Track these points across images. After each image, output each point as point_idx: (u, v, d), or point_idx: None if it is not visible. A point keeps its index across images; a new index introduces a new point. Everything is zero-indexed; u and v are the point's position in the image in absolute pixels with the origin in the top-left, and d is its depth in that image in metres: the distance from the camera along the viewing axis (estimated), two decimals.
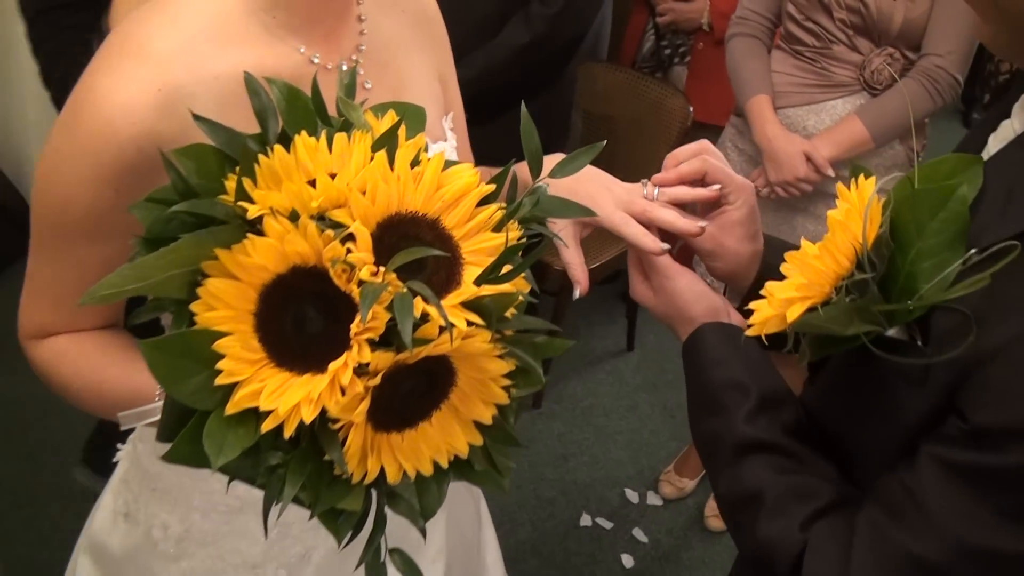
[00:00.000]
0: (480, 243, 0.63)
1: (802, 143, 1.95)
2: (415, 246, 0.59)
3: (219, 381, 0.56)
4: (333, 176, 0.59)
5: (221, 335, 0.56)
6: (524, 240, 0.67)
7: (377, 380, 0.56)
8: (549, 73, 2.19)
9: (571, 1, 2.04)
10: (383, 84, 0.96)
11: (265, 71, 0.82)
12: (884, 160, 1.97)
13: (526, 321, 0.65)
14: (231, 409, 0.56)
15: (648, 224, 0.88)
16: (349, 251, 0.57)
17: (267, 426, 0.55)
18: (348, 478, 0.60)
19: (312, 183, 0.59)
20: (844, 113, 1.94)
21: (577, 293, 0.91)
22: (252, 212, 0.57)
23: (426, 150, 0.65)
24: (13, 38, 2.07)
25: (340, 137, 0.62)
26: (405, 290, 0.56)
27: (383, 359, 0.56)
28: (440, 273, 0.61)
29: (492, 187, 0.64)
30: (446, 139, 1.03)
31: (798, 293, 0.72)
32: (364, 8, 0.95)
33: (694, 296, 0.89)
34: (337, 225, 0.58)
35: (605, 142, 0.77)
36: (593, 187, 0.91)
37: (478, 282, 0.61)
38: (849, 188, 0.72)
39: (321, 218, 0.58)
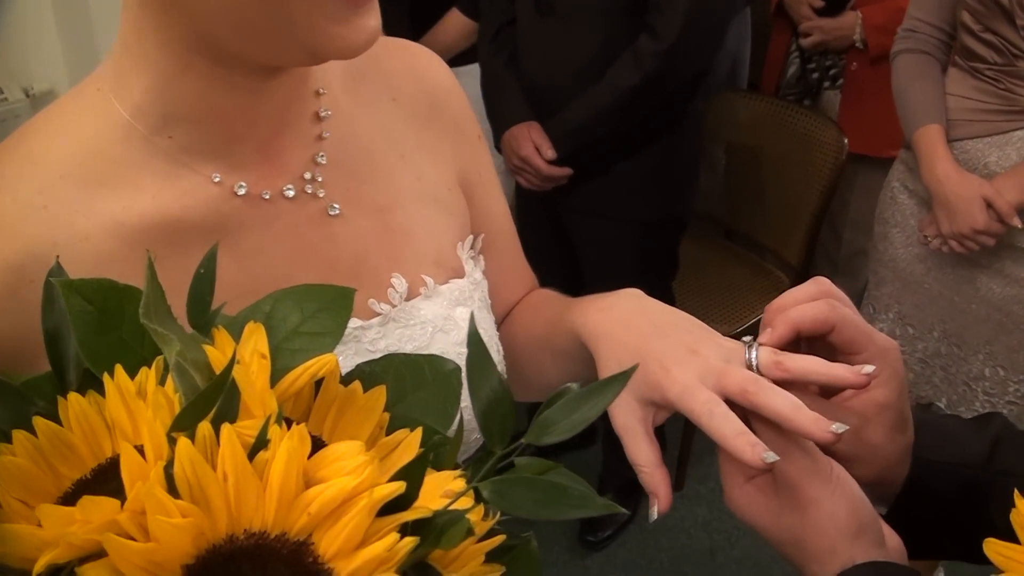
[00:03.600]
0: None
1: (981, 185, 1.56)
2: None
3: None
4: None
5: None
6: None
7: None
8: (667, 115, 1.88)
9: (686, 33, 1.73)
10: (358, 205, 0.69)
11: (167, 216, 0.60)
12: None
13: None
14: None
15: (750, 410, 0.57)
16: None
17: None
18: None
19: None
20: None
21: (655, 512, 0.59)
22: None
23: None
24: None
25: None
26: None
27: None
28: None
29: (399, 486, 0.37)
30: (464, 274, 0.75)
31: None
32: (328, 100, 0.69)
33: (844, 512, 0.55)
34: None
35: (636, 368, 0.49)
36: (667, 345, 0.61)
37: None
38: None
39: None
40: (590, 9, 1.79)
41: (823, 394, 0.61)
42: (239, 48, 0.57)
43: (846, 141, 2.24)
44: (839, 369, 0.57)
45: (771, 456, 0.53)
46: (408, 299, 0.71)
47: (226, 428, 0.35)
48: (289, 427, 0.38)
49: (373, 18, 0.56)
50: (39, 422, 0.38)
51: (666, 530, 2.34)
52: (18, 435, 0.37)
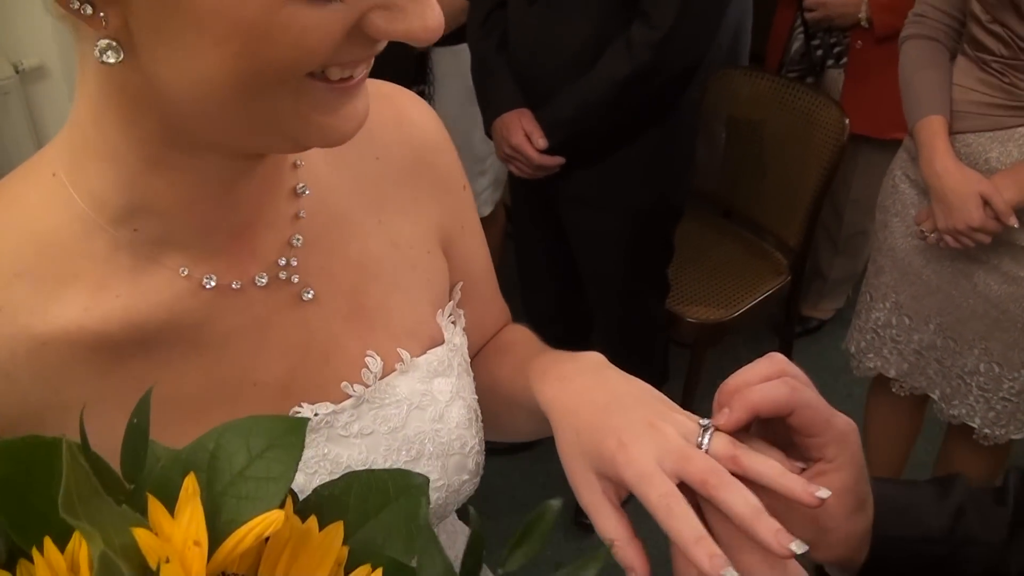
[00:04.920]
0: None
1: (979, 182, 1.53)
2: None
3: None
4: None
5: None
6: None
7: None
8: (661, 104, 1.84)
9: (682, 22, 1.67)
10: (332, 285, 0.66)
11: (132, 317, 0.57)
12: None
13: None
14: None
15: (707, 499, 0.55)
16: None
17: None
18: None
19: None
20: None
21: None
22: None
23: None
24: None
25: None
26: None
27: None
28: None
29: None
30: (443, 340, 0.73)
31: None
32: (306, 172, 0.65)
33: None
34: None
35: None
36: (625, 420, 0.58)
37: None
38: None
39: None
40: None
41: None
42: (218, 141, 0.53)
43: (847, 122, 2.20)
44: (793, 482, 0.54)
45: (731, 573, 0.51)
46: (383, 376, 0.68)
47: None
48: None
49: (363, 100, 0.53)
50: None
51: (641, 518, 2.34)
52: None
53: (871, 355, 1.86)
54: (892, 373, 1.84)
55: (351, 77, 0.50)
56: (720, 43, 2.55)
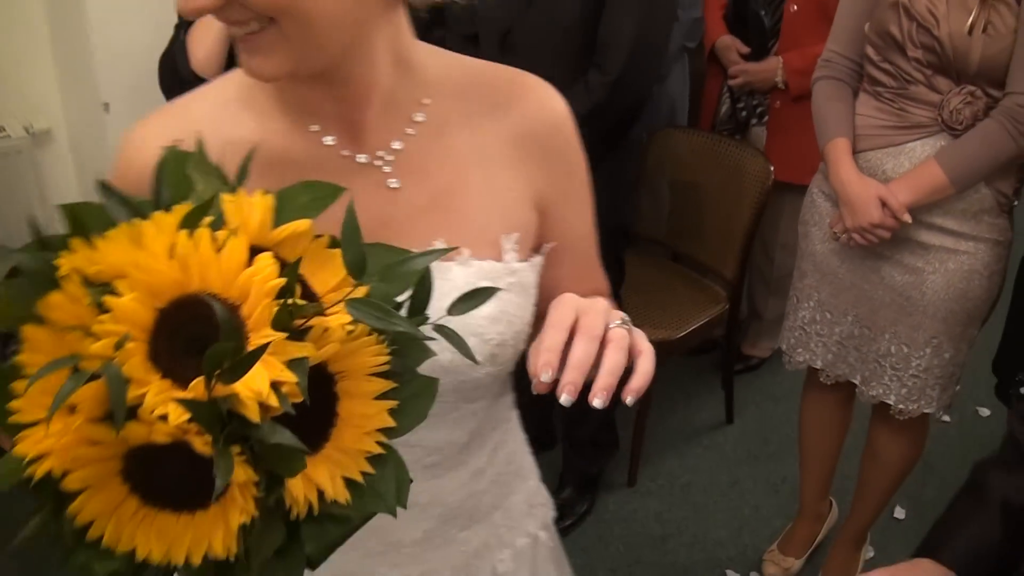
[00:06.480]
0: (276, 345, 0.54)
1: (877, 187, 1.85)
2: (204, 327, 0.53)
3: None
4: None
5: None
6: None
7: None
8: (609, 141, 2.17)
9: (628, 68, 2.03)
10: (420, 188, 0.85)
11: (276, 146, 0.82)
12: (970, 205, 1.85)
13: None
14: None
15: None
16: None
17: None
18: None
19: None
20: (923, 156, 1.84)
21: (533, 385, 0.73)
22: (63, 268, 0.52)
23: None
24: None
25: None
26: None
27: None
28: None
29: (282, 281, 0.55)
30: (501, 259, 0.87)
31: None
32: (432, 110, 0.85)
33: None
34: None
35: (450, 249, 0.67)
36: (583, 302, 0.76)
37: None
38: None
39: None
40: (548, 50, 2.09)
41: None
42: None
43: (772, 169, 2.54)
44: (604, 381, 0.70)
45: (547, 376, 0.70)
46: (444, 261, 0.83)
47: (203, 228, 0.53)
48: (282, 265, 0.55)
49: (253, 61, 0.73)
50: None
51: (621, 520, 2.55)
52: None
53: (800, 350, 2.15)
54: (819, 364, 2.12)
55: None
56: (659, 111, 2.92)
